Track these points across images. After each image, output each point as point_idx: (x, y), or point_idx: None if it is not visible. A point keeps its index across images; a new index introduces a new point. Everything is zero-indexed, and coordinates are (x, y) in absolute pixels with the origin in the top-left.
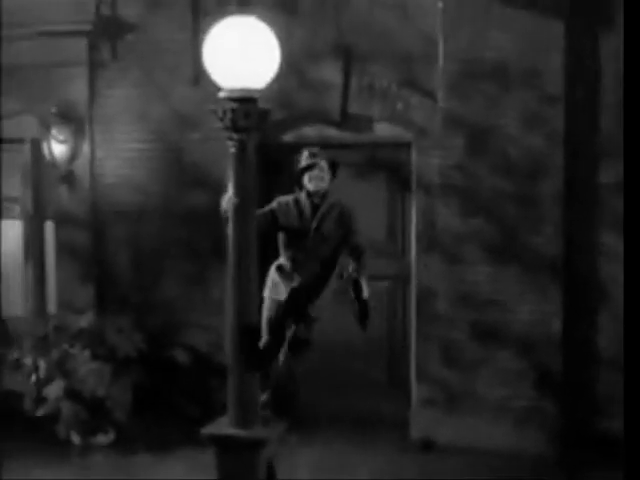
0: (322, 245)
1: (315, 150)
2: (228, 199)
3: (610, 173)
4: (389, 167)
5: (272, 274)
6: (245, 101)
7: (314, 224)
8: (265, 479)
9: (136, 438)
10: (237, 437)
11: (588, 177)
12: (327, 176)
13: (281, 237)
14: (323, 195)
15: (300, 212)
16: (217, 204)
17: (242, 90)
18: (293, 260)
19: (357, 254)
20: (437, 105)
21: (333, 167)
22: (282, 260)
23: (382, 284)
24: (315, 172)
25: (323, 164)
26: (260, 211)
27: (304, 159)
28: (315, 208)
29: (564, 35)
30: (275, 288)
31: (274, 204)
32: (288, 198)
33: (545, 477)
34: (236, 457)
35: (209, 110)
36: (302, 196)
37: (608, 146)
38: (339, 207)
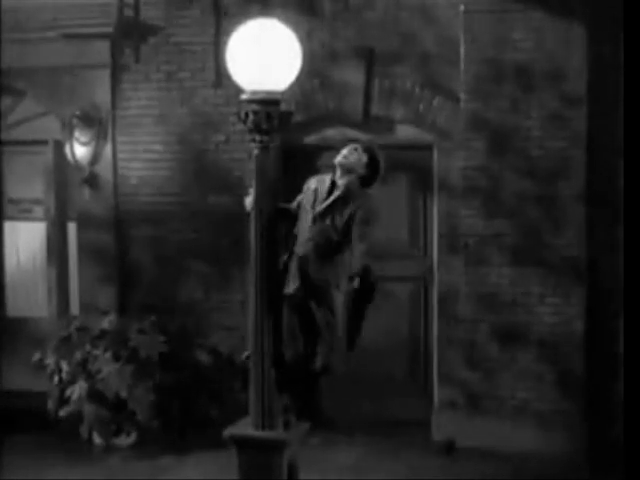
0: (325, 237)
1: (367, 144)
2: (251, 200)
3: None
4: (411, 169)
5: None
6: (267, 103)
7: (320, 208)
8: None
9: (158, 439)
10: (259, 438)
11: (611, 178)
12: (359, 158)
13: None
14: (347, 185)
15: (316, 192)
16: (239, 206)
17: (264, 92)
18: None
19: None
20: (459, 107)
21: (371, 160)
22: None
23: (404, 286)
24: (349, 147)
25: (360, 150)
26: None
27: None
28: (331, 190)
29: (586, 36)
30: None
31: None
32: (321, 176)
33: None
34: (258, 458)
35: (232, 112)
36: (328, 177)
37: None
38: (359, 209)
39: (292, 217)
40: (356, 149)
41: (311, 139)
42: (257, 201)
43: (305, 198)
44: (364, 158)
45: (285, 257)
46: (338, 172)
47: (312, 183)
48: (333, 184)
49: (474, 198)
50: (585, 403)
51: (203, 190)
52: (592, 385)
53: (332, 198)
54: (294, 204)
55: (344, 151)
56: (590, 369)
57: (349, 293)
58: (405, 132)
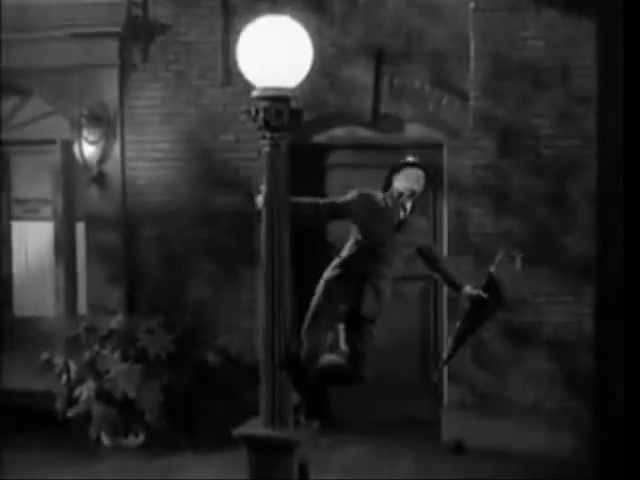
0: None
1: (426, 167)
2: (262, 198)
3: None
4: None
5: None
6: (278, 100)
7: (398, 228)
8: None
9: (166, 439)
10: (269, 438)
11: (620, 176)
12: (421, 182)
13: (354, 232)
14: (412, 203)
15: (384, 212)
16: (248, 204)
17: (274, 89)
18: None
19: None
20: (469, 105)
21: (427, 180)
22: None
23: (414, 285)
24: (413, 171)
25: (420, 171)
26: (337, 200)
27: (405, 160)
28: (400, 212)
29: (596, 34)
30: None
31: (353, 195)
32: (373, 192)
33: None
34: (268, 458)
35: (242, 110)
36: (389, 196)
37: None
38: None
39: (318, 214)
40: (423, 177)
41: (320, 138)
42: (268, 199)
43: (382, 208)
44: (422, 181)
45: (341, 261)
46: (405, 195)
47: (371, 196)
48: (403, 206)
49: (484, 197)
50: (595, 403)
51: (211, 189)
52: (601, 385)
53: (402, 219)
54: (330, 201)
55: (414, 175)
56: (599, 368)
57: (472, 300)
58: (414, 131)
